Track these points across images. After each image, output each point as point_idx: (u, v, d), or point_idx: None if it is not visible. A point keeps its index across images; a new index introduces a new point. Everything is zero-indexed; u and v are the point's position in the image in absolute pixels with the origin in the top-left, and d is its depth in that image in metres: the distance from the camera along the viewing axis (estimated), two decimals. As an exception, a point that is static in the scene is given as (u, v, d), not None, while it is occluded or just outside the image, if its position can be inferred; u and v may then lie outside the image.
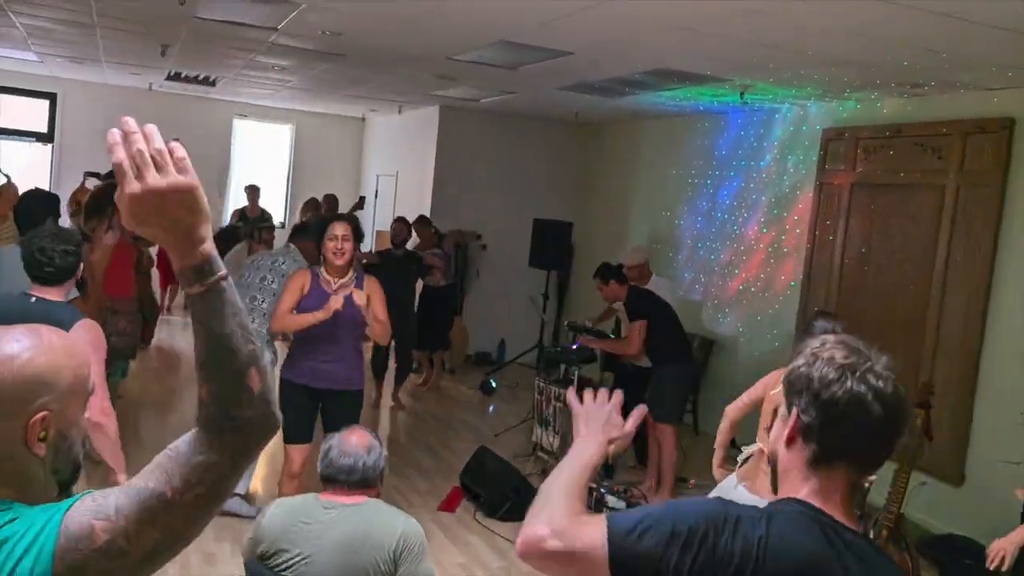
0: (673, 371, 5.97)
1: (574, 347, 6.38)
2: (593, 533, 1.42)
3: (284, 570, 2.52)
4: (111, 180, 6.05)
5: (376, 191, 12.34)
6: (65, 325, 2.99)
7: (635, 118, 9.24)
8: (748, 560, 1.35)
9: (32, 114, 11.83)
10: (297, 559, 2.52)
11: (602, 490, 5.60)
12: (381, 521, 2.58)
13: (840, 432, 1.44)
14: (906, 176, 6.23)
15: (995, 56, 4.85)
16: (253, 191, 10.89)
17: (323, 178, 12.77)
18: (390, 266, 7.67)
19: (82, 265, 3.17)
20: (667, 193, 8.91)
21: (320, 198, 10.73)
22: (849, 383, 1.42)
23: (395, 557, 2.50)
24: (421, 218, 9.06)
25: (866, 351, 1.47)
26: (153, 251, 8.20)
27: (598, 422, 1.71)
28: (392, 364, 7.94)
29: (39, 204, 6.41)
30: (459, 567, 4.67)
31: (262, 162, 13.06)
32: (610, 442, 1.69)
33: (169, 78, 10.09)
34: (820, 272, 6.92)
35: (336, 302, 4.11)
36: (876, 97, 6.51)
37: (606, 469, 6.38)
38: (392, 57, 6.99)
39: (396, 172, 11.62)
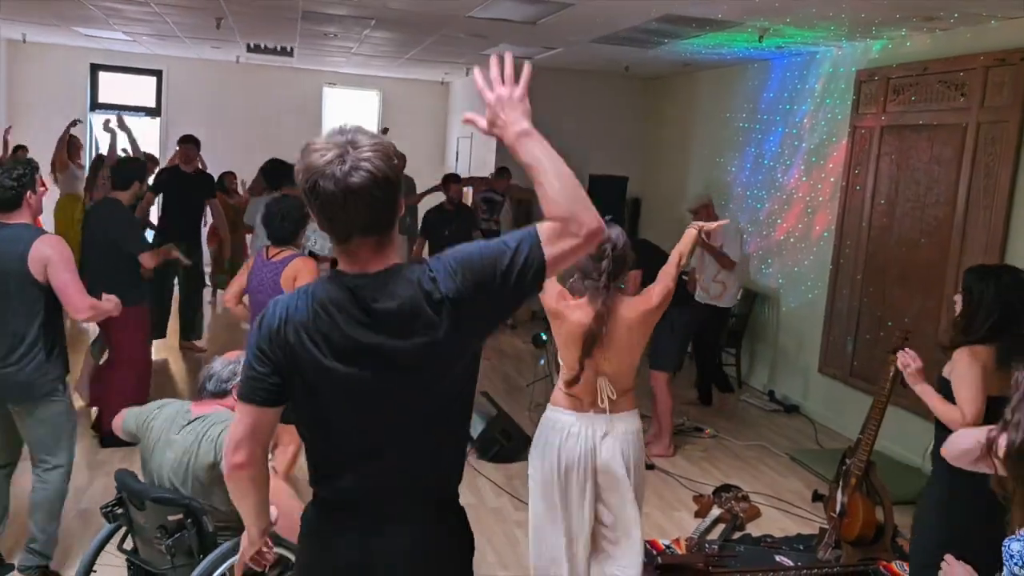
0: (670, 321, 5.93)
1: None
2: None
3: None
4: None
5: (456, 153, 12.64)
6: (20, 242, 3.45)
7: (686, 70, 9.10)
8: None
9: (140, 90, 12.78)
10: (147, 452, 2.89)
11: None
12: (209, 431, 2.84)
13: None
14: (932, 116, 5.92)
15: None
16: None
17: (410, 142, 13.10)
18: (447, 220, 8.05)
19: (30, 193, 3.54)
20: (720, 143, 8.75)
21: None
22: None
23: (213, 464, 2.77)
24: (500, 169, 9.49)
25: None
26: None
27: (515, 106, 1.78)
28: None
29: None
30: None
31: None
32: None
33: (249, 50, 10.67)
34: (852, 221, 6.67)
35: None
36: (905, 35, 6.18)
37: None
38: (416, 19, 7.19)
39: (471, 134, 11.86)
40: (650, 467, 5.66)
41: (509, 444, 5.58)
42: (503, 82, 1.77)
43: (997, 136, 5.36)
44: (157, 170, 8.33)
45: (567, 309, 3.16)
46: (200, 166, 8.40)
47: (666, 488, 5.42)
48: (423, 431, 1.81)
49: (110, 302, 3.74)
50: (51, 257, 3.46)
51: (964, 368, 2.94)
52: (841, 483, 4.53)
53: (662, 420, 5.93)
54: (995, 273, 3.17)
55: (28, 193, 3.52)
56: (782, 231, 7.67)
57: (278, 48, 10.47)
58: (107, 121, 8.81)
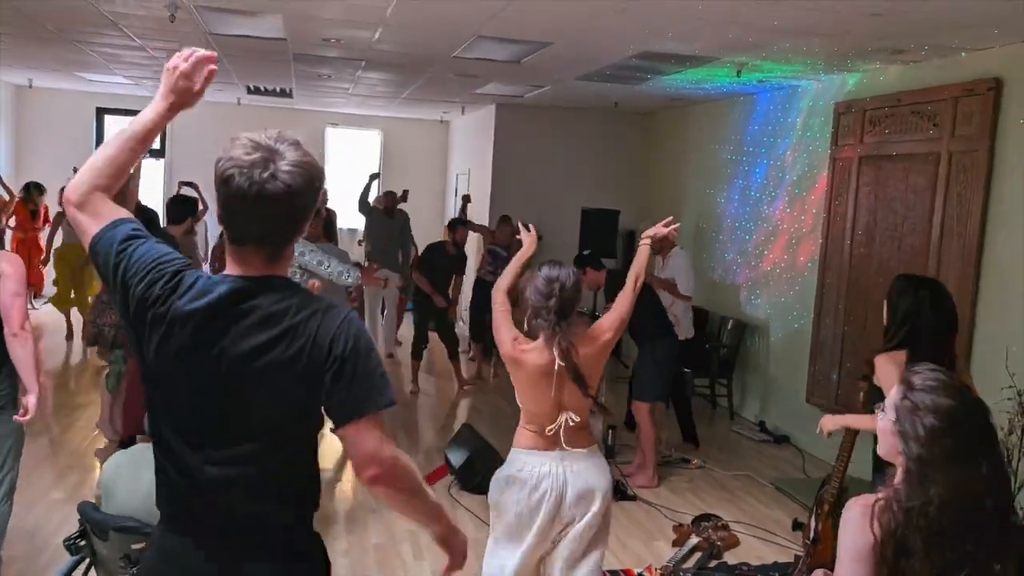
0: (652, 351, 6.02)
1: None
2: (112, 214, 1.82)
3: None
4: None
5: (456, 189, 12.81)
6: None
7: (675, 105, 9.24)
8: None
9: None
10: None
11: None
12: None
13: None
14: (906, 146, 6.01)
15: (968, 16, 4.67)
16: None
17: (412, 180, 13.31)
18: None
19: None
20: (710, 176, 8.86)
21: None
22: None
23: None
24: (502, 217, 9.47)
25: None
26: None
27: (171, 80, 1.83)
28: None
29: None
30: (407, 532, 4.96)
31: (355, 168, 13.79)
32: (175, 104, 1.85)
33: (249, 92, 10.91)
34: (833, 251, 6.74)
35: None
36: (879, 68, 6.30)
37: (607, 449, 6.50)
38: (404, 60, 7.37)
39: (468, 170, 12.03)
40: (632, 498, 5.70)
41: (488, 474, 5.61)
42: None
43: (968, 165, 5.45)
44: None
45: (523, 354, 3.19)
46: (201, 205, 8.55)
47: (648, 518, 5.44)
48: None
49: (36, 392, 3.50)
50: (5, 270, 3.42)
51: (882, 373, 3.04)
52: (815, 510, 4.56)
53: (645, 451, 5.97)
54: (914, 284, 3.28)
55: None
56: (769, 262, 7.74)
57: (277, 90, 10.71)
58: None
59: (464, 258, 8.74)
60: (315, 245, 5.36)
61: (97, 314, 5.37)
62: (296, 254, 5.35)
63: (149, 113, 1.86)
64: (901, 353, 3.12)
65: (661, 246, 6.47)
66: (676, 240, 6.69)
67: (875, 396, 3.18)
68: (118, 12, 6.06)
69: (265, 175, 1.66)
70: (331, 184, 12.57)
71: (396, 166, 13.83)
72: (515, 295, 3.31)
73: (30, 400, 3.45)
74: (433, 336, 8.55)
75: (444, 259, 8.46)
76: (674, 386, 6.61)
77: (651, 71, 7.13)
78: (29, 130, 12.36)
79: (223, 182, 1.68)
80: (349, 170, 13.67)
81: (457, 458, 5.77)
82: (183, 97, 1.85)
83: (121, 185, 1.91)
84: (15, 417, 3.53)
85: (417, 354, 8.37)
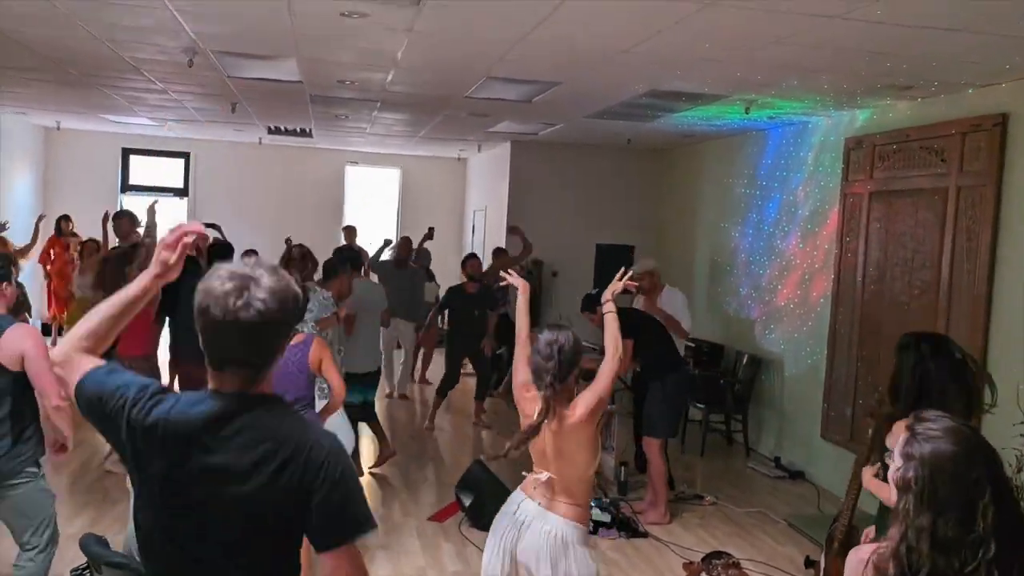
0: (662, 387, 6.02)
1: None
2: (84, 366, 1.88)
3: None
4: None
5: (473, 226, 12.93)
6: None
7: (688, 141, 9.31)
8: None
9: (169, 172, 13.30)
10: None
11: (592, 503, 5.72)
12: None
13: None
14: (915, 182, 6.03)
15: (975, 53, 4.72)
16: (349, 231, 11.56)
17: (430, 217, 13.44)
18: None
19: (4, 284, 3.73)
20: (724, 211, 8.90)
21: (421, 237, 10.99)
22: None
23: None
24: (496, 251, 9.54)
25: None
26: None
27: (156, 254, 1.92)
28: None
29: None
30: (417, 570, 4.97)
31: (374, 205, 13.98)
32: (159, 275, 1.93)
33: (270, 132, 11.11)
34: (846, 286, 6.73)
35: None
36: (888, 104, 6.33)
37: (620, 485, 6.49)
38: (418, 100, 7.50)
39: (485, 207, 12.14)
40: (643, 535, 5.68)
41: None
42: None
43: (976, 200, 5.45)
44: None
45: (524, 400, 3.32)
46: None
47: (658, 555, 5.42)
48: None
49: (65, 433, 3.69)
50: (27, 350, 3.57)
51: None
52: (825, 547, 4.53)
53: (656, 487, 5.95)
54: (915, 341, 3.24)
55: (3, 284, 3.70)
56: (783, 297, 7.74)
57: (297, 130, 10.89)
58: (155, 203, 8.21)
59: (490, 292, 8.70)
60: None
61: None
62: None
63: (134, 288, 1.96)
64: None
65: (648, 289, 6.42)
66: (660, 280, 6.62)
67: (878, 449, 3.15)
68: (139, 58, 6.24)
69: (239, 303, 1.72)
70: (352, 221, 12.75)
71: (415, 203, 13.98)
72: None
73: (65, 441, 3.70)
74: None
75: (464, 299, 8.43)
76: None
77: (661, 109, 7.21)
78: (57, 170, 12.64)
79: (199, 313, 1.76)
80: (368, 208, 13.88)
81: (467, 495, 5.78)
82: (166, 271, 1.95)
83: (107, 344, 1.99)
84: (52, 456, 3.75)
85: (442, 392, 8.39)
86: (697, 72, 5.70)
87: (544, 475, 3.22)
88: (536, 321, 9.35)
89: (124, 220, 7.64)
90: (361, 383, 6.55)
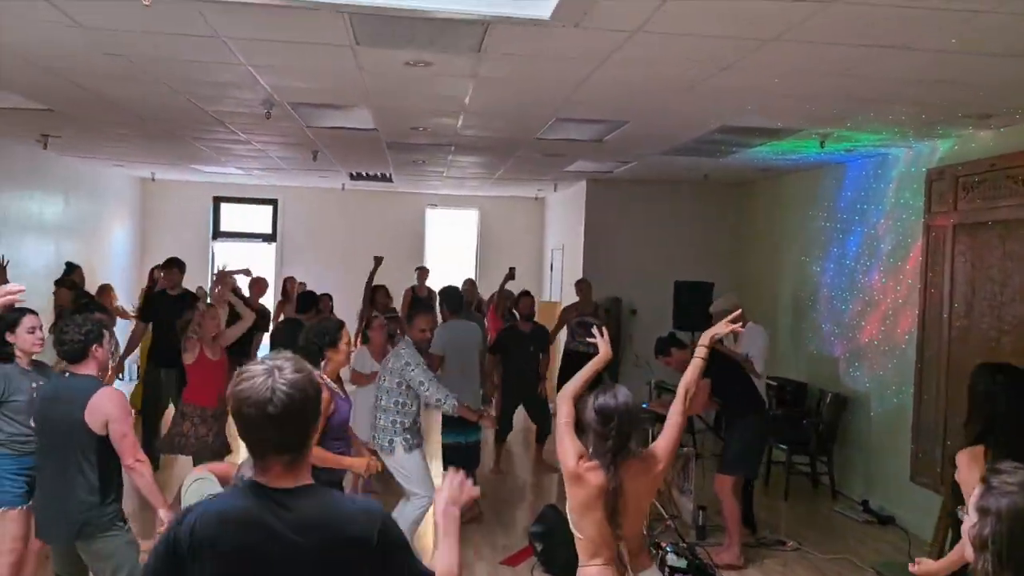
0: (739, 426, 5.89)
1: (644, 406, 6.46)
2: None
3: None
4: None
5: (551, 264, 12.95)
6: (82, 393, 3.76)
7: (766, 175, 9.16)
8: None
9: (258, 218, 13.77)
10: None
11: (667, 547, 5.60)
12: None
13: None
14: (1001, 212, 5.78)
15: None
16: (422, 272, 11.45)
17: (508, 257, 13.51)
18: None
19: (96, 347, 3.88)
20: (805, 245, 8.70)
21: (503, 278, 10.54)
22: None
23: None
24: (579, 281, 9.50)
25: None
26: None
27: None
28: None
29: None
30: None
31: (454, 246, 14.15)
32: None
33: (352, 178, 11.41)
34: (932, 323, 6.47)
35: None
36: (970, 133, 6.12)
37: (699, 530, 6.34)
38: (490, 143, 7.61)
39: (562, 245, 12.16)
40: (718, 578, 5.52)
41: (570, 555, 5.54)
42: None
43: (1068, 230, 5.20)
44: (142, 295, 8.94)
45: (587, 472, 3.02)
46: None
47: (736, 603, 5.26)
48: None
49: (164, 506, 3.84)
50: (111, 413, 3.72)
51: (963, 475, 2.86)
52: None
53: (729, 527, 5.80)
54: (990, 371, 3.10)
55: (94, 347, 3.86)
56: (867, 334, 7.49)
57: (378, 175, 11.14)
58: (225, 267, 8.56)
59: (543, 332, 8.63)
60: (421, 359, 5.53)
61: (175, 424, 5.81)
62: (402, 364, 5.52)
63: None
64: (979, 448, 2.94)
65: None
66: (743, 317, 6.45)
67: (955, 493, 3.01)
68: (222, 111, 6.51)
69: (268, 395, 1.86)
70: (431, 264, 12.91)
71: (494, 243, 14.10)
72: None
73: (162, 514, 3.76)
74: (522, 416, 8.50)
75: (519, 338, 8.27)
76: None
77: (736, 144, 7.13)
78: (153, 219, 13.24)
79: (236, 415, 1.91)
80: (448, 250, 14.07)
81: (540, 539, 5.73)
82: None
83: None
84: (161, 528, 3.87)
85: (500, 438, 8.30)
86: (767, 107, 5.63)
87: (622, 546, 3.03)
88: (617, 355, 9.36)
89: (175, 270, 7.83)
90: (452, 425, 6.55)
